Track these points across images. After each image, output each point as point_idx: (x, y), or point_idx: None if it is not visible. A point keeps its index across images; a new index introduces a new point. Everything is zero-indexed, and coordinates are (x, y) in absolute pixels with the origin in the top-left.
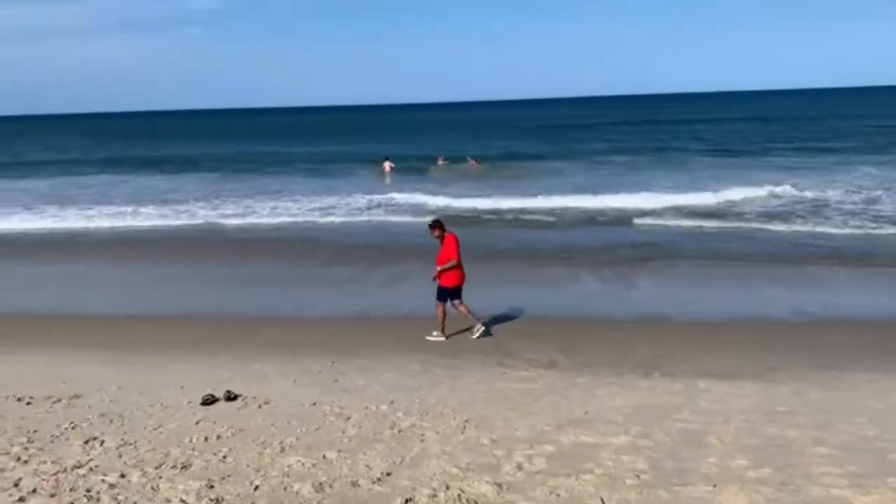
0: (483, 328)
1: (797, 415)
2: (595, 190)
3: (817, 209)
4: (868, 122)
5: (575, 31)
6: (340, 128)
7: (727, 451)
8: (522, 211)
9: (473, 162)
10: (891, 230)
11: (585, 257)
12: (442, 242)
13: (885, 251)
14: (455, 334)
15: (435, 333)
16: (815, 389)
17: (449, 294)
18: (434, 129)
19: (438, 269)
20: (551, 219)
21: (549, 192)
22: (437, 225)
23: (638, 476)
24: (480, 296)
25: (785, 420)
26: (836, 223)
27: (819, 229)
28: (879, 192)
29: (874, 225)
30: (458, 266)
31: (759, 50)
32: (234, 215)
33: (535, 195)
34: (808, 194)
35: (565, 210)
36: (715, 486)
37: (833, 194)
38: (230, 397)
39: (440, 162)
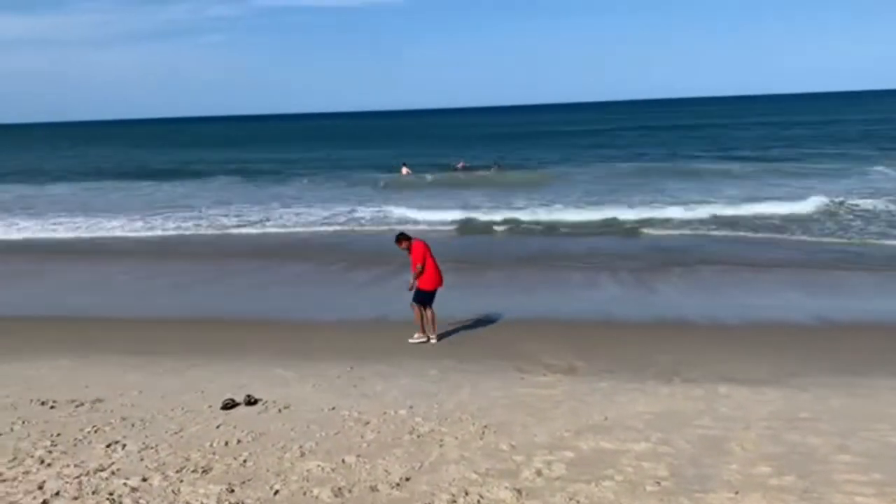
0: (426, 340)
1: (820, 421)
2: (613, 196)
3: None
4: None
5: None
6: (358, 133)
7: (749, 458)
8: (536, 223)
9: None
10: None
11: (605, 263)
12: (409, 252)
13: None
14: (470, 340)
15: (416, 336)
16: (838, 396)
17: (426, 297)
18: (435, 135)
19: (412, 278)
20: (567, 225)
21: (567, 198)
22: (401, 238)
23: (658, 483)
24: (499, 302)
25: (807, 427)
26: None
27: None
28: None
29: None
30: (430, 270)
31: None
32: (253, 222)
33: (552, 202)
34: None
35: (585, 217)
36: (737, 493)
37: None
38: (250, 402)
39: (459, 166)
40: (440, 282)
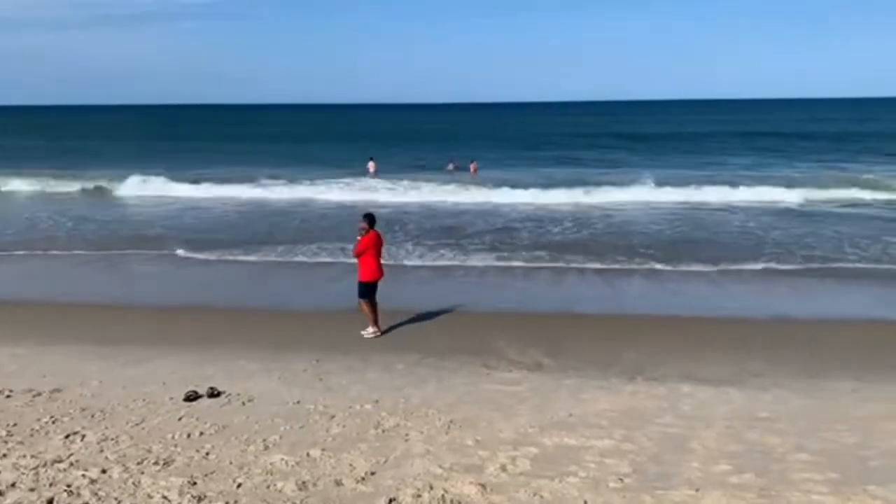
0: (379, 334)
1: (779, 421)
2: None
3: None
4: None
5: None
6: (329, 128)
7: (710, 456)
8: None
9: (471, 164)
10: None
11: (575, 257)
12: (360, 235)
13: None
14: (438, 335)
15: (371, 330)
16: (798, 397)
17: (368, 289)
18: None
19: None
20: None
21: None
22: (368, 218)
23: (621, 480)
24: (469, 296)
25: (767, 426)
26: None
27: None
28: None
29: None
30: (371, 262)
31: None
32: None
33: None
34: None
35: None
36: (697, 490)
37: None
38: (213, 394)
39: (450, 167)
40: (380, 274)
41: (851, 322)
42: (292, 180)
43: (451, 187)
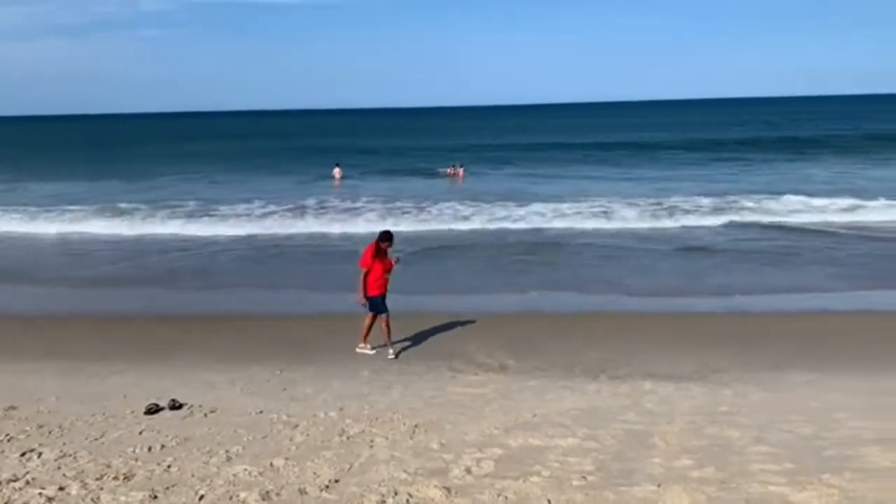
0: (372, 351)
1: (739, 415)
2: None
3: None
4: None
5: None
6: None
7: (672, 452)
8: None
9: (459, 170)
10: None
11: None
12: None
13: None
14: (402, 341)
15: (361, 345)
16: (757, 391)
17: (374, 303)
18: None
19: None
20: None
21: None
22: (387, 237)
23: (584, 477)
24: (435, 300)
25: (727, 420)
26: None
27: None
28: None
29: None
30: (373, 274)
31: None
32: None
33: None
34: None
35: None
36: (660, 485)
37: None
38: (175, 406)
39: (449, 171)
40: (379, 287)
41: (808, 314)
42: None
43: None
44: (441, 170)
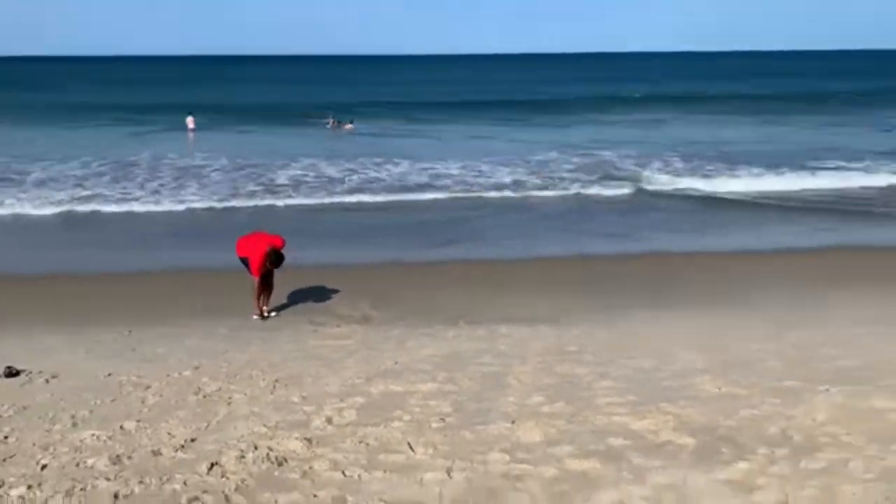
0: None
1: (585, 353)
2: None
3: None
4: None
5: None
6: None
7: (525, 390)
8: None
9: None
10: None
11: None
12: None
13: None
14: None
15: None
16: (602, 329)
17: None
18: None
19: None
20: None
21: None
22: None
23: (443, 419)
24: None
25: (575, 358)
26: None
27: None
28: None
29: None
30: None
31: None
32: None
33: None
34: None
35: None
36: (514, 422)
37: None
38: (11, 373)
39: (331, 123)
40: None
41: (649, 256)
42: None
43: None
44: (324, 121)
